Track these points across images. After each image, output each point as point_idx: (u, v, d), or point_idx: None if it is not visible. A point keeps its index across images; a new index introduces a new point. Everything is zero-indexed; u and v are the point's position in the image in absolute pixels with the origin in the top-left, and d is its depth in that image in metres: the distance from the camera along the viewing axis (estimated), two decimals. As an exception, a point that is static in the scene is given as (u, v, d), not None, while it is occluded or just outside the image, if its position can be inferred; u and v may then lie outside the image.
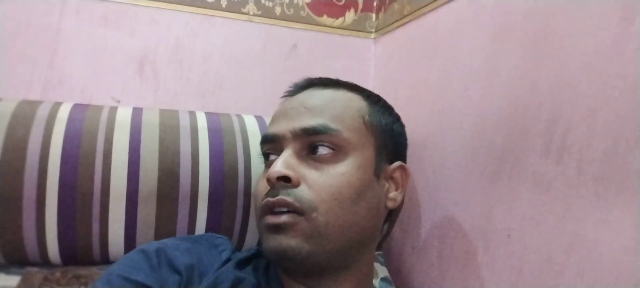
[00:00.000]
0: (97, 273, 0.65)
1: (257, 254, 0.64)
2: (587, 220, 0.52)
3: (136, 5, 0.92)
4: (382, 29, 1.07)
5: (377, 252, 0.85)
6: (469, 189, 0.72)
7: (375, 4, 1.11)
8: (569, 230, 0.55)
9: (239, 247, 0.74)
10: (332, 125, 0.56)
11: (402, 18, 0.97)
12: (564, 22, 0.57)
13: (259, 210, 0.57)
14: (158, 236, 0.67)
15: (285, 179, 0.54)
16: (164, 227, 0.67)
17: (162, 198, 0.67)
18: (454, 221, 0.75)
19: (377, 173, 0.59)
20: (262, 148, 0.62)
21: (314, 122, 0.56)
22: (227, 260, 0.58)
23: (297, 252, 0.52)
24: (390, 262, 0.90)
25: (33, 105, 0.67)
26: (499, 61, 0.68)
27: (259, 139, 0.74)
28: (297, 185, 0.54)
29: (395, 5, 1.00)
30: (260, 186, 0.58)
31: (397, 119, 0.66)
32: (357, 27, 1.10)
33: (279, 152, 0.57)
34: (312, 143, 0.56)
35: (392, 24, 1.01)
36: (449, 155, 0.78)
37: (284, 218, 0.53)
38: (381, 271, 0.82)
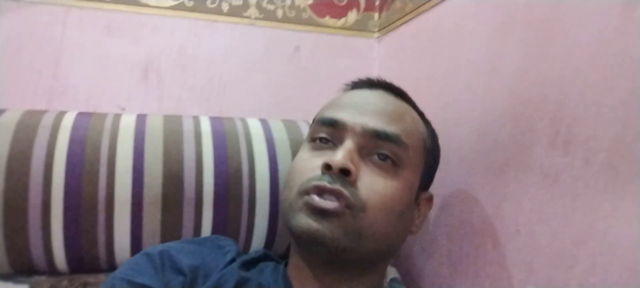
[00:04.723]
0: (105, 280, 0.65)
1: (264, 257, 0.63)
2: (597, 211, 0.51)
3: (139, 13, 0.93)
4: (385, 27, 1.06)
5: (386, 253, 0.84)
6: (476, 185, 0.71)
7: (377, 3, 1.10)
8: (579, 222, 0.54)
9: (244, 251, 0.74)
10: (405, 138, 0.56)
11: (404, 16, 0.96)
12: (566, 12, 0.56)
13: (303, 188, 0.54)
14: (164, 241, 0.66)
15: (345, 172, 0.53)
16: (170, 232, 0.67)
17: (167, 203, 0.66)
18: (462, 218, 0.74)
19: (415, 197, 0.60)
20: (316, 129, 0.60)
21: (390, 128, 0.55)
22: (232, 261, 0.58)
23: (334, 243, 0.52)
24: (400, 263, 0.89)
25: (37, 114, 0.67)
26: (502, 54, 0.67)
27: (263, 142, 0.74)
28: (354, 182, 0.53)
29: (397, 4, 1.00)
30: (306, 165, 0.57)
31: (440, 150, 0.67)
32: (359, 27, 1.09)
33: (336, 139, 0.56)
34: (377, 147, 0.55)
35: (394, 22, 1.01)
36: (455, 152, 0.77)
37: (335, 205, 0.52)
38: (391, 272, 0.81)
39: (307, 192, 0.53)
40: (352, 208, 0.52)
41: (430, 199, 0.64)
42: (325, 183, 0.52)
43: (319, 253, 0.55)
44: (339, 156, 0.53)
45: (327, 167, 0.53)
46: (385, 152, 0.55)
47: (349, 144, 0.55)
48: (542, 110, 0.59)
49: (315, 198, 0.52)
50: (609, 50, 0.50)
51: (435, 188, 0.82)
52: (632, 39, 0.48)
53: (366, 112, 0.57)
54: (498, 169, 0.67)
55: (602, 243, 0.51)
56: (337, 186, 0.52)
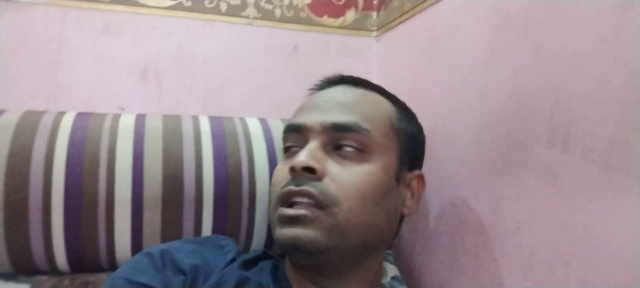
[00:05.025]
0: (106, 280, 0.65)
1: (264, 256, 0.63)
2: (595, 209, 0.52)
3: (137, 13, 0.93)
4: (383, 26, 1.06)
5: (387, 251, 0.84)
6: (476, 184, 0.72)
7: (375, 2, 1.10)
8: (578, 220, 0.54)
9: (245, 250, 0.74)
10: (364, 124, 0.56)
11: (402, 15, 0.96)
12: (564, 11, 0.57)
13: (276, 198, 0.56)
14: (164, 241, 0.67)
15: (310, 171, 0.53)
16: (170, 232, 0.67)
17: (167, 203, 0.67)
18: (462, 217, 0.75)
19: (398, 178, 0.59)
20: (284, 138, 0.61)
21: (346, 118, 0.56)
22: (232, 261, 0.58)
23: (315, 244, 0.52)
24: (401, 261, 0.89)
25: (37, 115, 0.68)
26: (500, 53, 0.67)
27: (262, 141, 0.74)
28: (321, 178, 0.54)
29: (396, 3, 1.00)
30: (279, 175, 0.58)
31: (421, 128, 0.67)
32: (358, 26, 1.09)
33: (302, 143, 0.57)
34: (339, 139, 0.56)
35: (393, 21, 1.01)
36: (455, 151, 0.77)
37: (303, 211, 0.52)
38: (391, 270, 0.81)
39: (279, 203, 0.55)
40: (323, 206, 0.53)
41: (420, 177, 0.63)
42: (292, 186, 0.54)
43: (304, 259, 0.56)
44: (300, 156, 0.54)
45: (292, 170, 0.54)
46: (348, 141, 0.56)
47: (311, 143, 0.56)
48: (541, 109, 0.59)
49: (286, 210, 0.54)
50: (607, 48, 0.51)
51: (434, 186, 0.82)
52: (629, 37, 0.48)
53: (324, 109, 0.58)
54: (497, 168, 0.67)
55: (600, 240, 0.51)
56: (304, 186, 0.53)
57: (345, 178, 0.54)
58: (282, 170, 0.57)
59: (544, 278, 0.58)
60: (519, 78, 0.63)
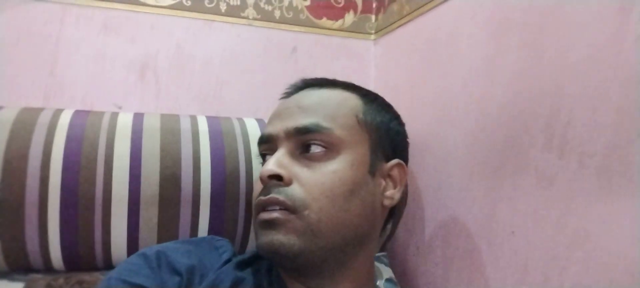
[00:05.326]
0: (101, 278, 0.65)
1: (259, 256, 0.63)
2: (591, 214, 0.52)
3: (136, 12, 0.93)
4: (382, 30, 1.07)
5: (381, 253, 0.84)
6: (472, 187, 0.72)
7: (374, 5, 1.11)
8: (573, 225, 0.54)
9: (241, 250, 0.74)
10: (324, 123, 0.56)
11: (401, 18, 0.97)
12: (563, 16, 0.57)
13: (253, 209, 0.57)
14: (160, 240, 0.67)
15: (277, 178, 0.54)
16: (167, 231, 0.67)
17: (164, 202, 0.67)
18: (457, 220, 0.75)
19: (373, 171, 0.59)
20: (259, 150, 0.62)
21: (306, 121, 0.56)
22: (228, 261, 0.58)
23: (288, 249, 0.52)
24: (395, 263, 0.90)
25: (34, 112, 0.67)
26: (498, 58, 0.68)
27: (260, 141, 0.74)
28: (289, 184, 0.54)
29: (395, 6, 1.00)
30: (256, 186, 0.59)
31: (395, 117, 0.66)
32: (356, 29, 1.10)
33: (272, 152, 0.58)
34: (304, 142, 0.56)
35: (391, 24, 1.01)
36: (452, 154, 0.77)
37: (275, 214, 0.53)
38: (386, 272, 0.81)
39: (257, 212, 0.56)
40: (294, 210, 0.53)
41: (399, 166, 0.62)
42: (262, 196, 0.55)
43: (285, 263, 0.57)
44: (267, 165, 0.55)
45: (261, 180, 0.56)
46: (313, 143, 0.56)
47: (278, 151, 0.57)
48: (538, 113, 0.60)
49: (261, 214, 0.55)
50: (605, 54, 0.51)
51: (430, 189, 0.82)
52: (627, 44, 0.49)
53: (287, 115, 0.59)
54: (493, 171, 0.67)
55: (596, 245, 0.51)
56: (272, 195, 0.54)
57: (312, 179, 0.55)
58: (258, 182, 0.58)
59: (538, 283, 0.59)
60: (517, 83, 0.64)
